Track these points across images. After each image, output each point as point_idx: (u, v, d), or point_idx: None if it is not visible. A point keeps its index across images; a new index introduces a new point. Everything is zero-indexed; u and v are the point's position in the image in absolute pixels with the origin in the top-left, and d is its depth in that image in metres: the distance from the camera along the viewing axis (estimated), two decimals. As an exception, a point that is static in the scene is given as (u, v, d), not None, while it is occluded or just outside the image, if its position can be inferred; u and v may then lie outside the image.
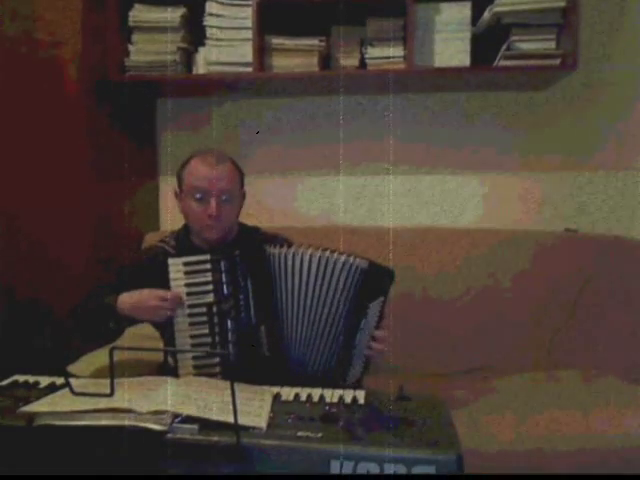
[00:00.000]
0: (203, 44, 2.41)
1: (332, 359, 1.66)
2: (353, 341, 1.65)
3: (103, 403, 1.17)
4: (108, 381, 1.20)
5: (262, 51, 2.36)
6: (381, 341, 1.67)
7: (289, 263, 1.65)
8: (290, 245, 1.70)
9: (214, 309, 1.65)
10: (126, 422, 1.12)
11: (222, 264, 1.66)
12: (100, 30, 2.31)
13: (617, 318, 2.33)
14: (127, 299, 1.68)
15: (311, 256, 1.64)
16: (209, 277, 1.66)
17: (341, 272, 1.63)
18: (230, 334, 1.65)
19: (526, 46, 2.26)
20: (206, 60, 2.41)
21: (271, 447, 1.09)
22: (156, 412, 1.15)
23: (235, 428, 1.09)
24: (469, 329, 2.36)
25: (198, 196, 1.73)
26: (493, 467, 1.67)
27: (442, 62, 2.32)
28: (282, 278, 1.66)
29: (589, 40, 2.48)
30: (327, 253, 1.65)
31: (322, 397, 1.31)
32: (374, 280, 1.64)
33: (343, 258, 1.64)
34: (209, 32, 2.38)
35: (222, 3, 2.35)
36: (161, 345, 1.83)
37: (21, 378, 1.40)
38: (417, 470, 1.05)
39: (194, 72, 2.46)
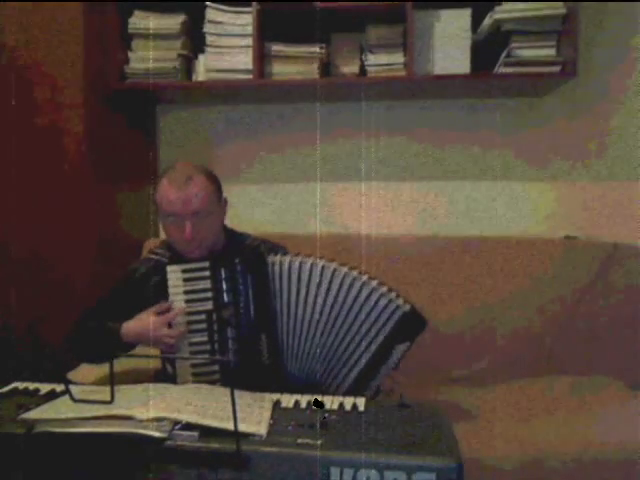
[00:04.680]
0: (203, 51, 2.42)
1: (333, 375, 1.65)
2: (369, 376, 1.64)
3: (103, 410, 1.16)
4: (108, 388, 1.20)
5: (262, 58, 2.37)
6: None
7: (305, 273, 1.63)
8: (285, 253, 1.68)
9: (214, 316, 1.64)
10: (126, 429, 1.11)
11: (222, 271, 1.65)
12: (100, 37, 2.32)
13: (616, 325, 2.33)
14: (131, 328, 1.66)
15: (345, 276, 1.62)
16: (208, 284, 1.65)
17: (379, 304, 1.63)
18: (230, 342, 1.64)
19: (526, 53, 2.26)
20: (206, 67, 2.42)
21: (271, 454, 1.08)
22: (156, 419, 1.14)
23: (235, 435, 1.08)
24: (468, 336, 2.36)
25: (172, 219, 1.69)
26: (493, 475, 1.67)
27: (442, 69, 2.32)
28: (287, 287, 1.64)
29: (589, 47, 2.48)
30: (373, 283, 1.63)
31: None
32: (409, 325, 1.64)
33: (385, 291, 1.63)
34: (209, 39, 2.39)
35: (222, 10, 2.36)
36: (158, 352, 1.83)
37: (21, 385, 1.39)
38: (417, 477, 1.05)
39: (194, 79, 2.47)
